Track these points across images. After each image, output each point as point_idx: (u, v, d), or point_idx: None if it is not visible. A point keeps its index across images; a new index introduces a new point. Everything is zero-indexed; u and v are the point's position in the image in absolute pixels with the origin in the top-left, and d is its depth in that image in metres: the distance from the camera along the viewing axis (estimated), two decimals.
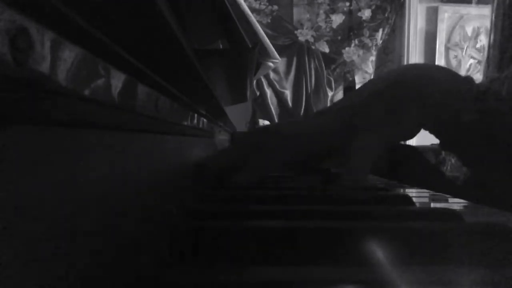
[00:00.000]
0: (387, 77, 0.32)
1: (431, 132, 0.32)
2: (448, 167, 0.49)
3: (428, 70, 0.31)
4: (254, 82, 2.80)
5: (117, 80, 0.19)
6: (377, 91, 0.30)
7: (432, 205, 0.43)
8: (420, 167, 0.37)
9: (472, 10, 3.04)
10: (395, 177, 0.48)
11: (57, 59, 0.13)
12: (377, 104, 0.30)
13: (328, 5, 3.05)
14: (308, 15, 3.07)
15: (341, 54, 3.11)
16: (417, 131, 0.31)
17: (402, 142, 0.34)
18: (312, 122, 0.32)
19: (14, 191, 0.12)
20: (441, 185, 0.38)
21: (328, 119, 0.31)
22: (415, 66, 0.33)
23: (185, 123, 0.41)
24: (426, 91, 0.29)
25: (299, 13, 3.09)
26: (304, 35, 3.07)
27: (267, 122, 2.83)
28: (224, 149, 0.36)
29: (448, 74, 0.31)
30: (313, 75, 3.16)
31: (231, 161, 0.34)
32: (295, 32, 3.07)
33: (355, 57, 3.09)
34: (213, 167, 0.36)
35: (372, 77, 3.16)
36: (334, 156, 0.34)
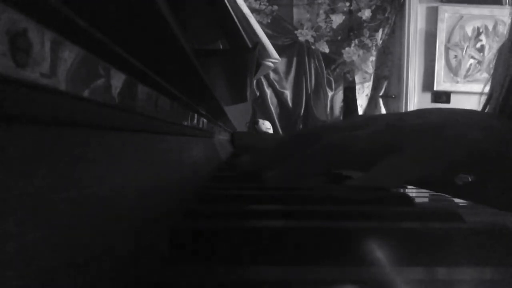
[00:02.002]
0: (446, 115, 0.31)
1: (485, 181, 0.32)
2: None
3: (486, 118, 0.31)
4: (254, 82, 2.81)
5: (117, 80, 0.19)
6: (432, 125, 0.30)
7: (432, 205, 0.43)
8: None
9: (472, 10, 3.04)
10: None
11: (57, 59, 0.13)
12: (429, 137, 0.29)
13: (328, 5, 3.06)
14: (308, 15, 3.07)
15: (341, 54, 3.11)
16: (458, 174, 0.31)
17: None
18: (356, 133, 0.31)
19: (14, 191, 0.12)
20: (442, 185, 0.38)
21: (375, 132, 0.31)
22: (475, 112, 0.32)
23: (185, 123, 0.41)
24: (485, 137, 0.29)
25: (299, 13, 3.09)
26: (304, 35, 3.07)
27: (267, 122, 2.82)
28: (259, 149, 0.35)
29: (505, 124, 0.31)
30: (313, 75, 3.16)
31: (264, 162, 0.34)
32: (295, 32, 3.07)
33: (355, 57, 3.09)
34: (245, 167, 0.35)
35: (372, 77, 3.16)
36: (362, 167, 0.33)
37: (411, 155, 0.29)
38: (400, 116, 0.32)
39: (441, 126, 0.30)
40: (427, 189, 0.48)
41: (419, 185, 0.39)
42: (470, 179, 0.33)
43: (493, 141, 0.29)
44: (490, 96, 0.53)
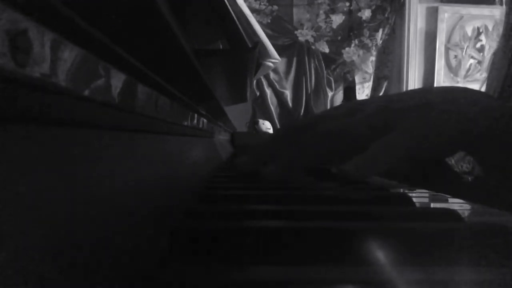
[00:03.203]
0: (435, 94, 0.31)
1: (475, 158, 0.31)
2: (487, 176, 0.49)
3: (475, 95, 0.31)
4: (254, 82, 2.81)
5: (117, 80, 0.19)
6: (423, 103, 0.30)
7: (432, 205, 0.43)
8: (426, 167, 0.36)
9: (472, 10, 3.04)
10: (423, 183, 0.48)
11: (57, 59, 0.13)
12: (420, 113, 0.29)
13: (328, 5, 3.06)
14: (308, 15, 3.07)
15: (341, 54, 3.11)
16: (453, 152, 0.31)
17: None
18: (344, 122, 0.31)
19: (14, 191, 0.12)
20: (444, 185, 0.38)
21: (363, 120, 0.31)
22: (463, 89, 0.32)
23: (185, 123, 0.41)
24: (474, 115, 0.29)
25: (299, 13, 3.09)
26: (304, 35, 3.07)
27: (267, 122, 2.82)
28: (257, 145, 0.35)
29: (494, 100, 0.31)
30: (313, 75, 3.16)
31: (263, 158, 0.34)
32: (295, 32, 3.07)
33: (355, 57, 3.09)
34: (245, 166, 0.35)
35: (372, 77, 3.16)
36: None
37: (402, 133, 0.29)
38: (390, 97, 0.32)
39: (433, 103, 0.30)
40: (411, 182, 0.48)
41: (409, 172, 0.38)
42: (470, 179, 0.33)
43: (487, 118, 0.29)
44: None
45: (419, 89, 0.33)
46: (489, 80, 0.53)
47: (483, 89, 0.55)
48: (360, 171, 0.29)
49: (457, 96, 0.30)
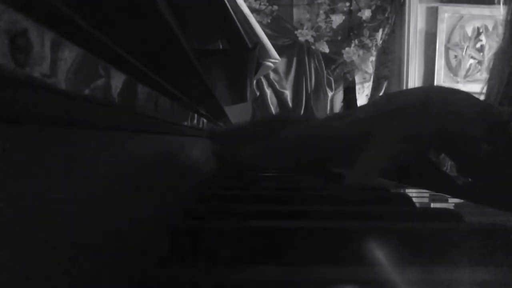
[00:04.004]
0: (407, 96, 0.32)
1: (448, 157, 0.32)
2: (448, 167, 0.49)
3: (451, 95, 0.32)
4: (254, 82, 2.80)
5: (117, 80, 0.19)
6: (398, 109, 0.31)
7: (432, 205, 0.43)
8: (425, 168, 0.37)
9: (472, 10, 3.04)
10: (402, 178, 0.48)
11: (57, 59, 0.13)
12: (396, 121, 0.30)
13: (328, 5, 3.05)
14: (308, 15, 3.07)
15: (341, 54, 3.11)
16: (428, 154, 0.32)
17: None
18: (330, 125, 0.33)
19: (14, 191, 0.12)
20: (443, 185, 0.38)
21: (345, 124, 0.32)
22: (439, 89, 0.33)
23: (185, 123, 0.41)
24: (446, 116, 0.30)
25: (299, 13, 3.09)
26: (304, 35, 3.06)
27: None
28: (232, 127, 0.36)
29: (470, 100, 0.31)
30: (313, 75, 3.16)
31: (240, 141, 0.34)
32: (295, 32, 3.06)
33: (355, 57, 3.09)
34: (222, 150, 0.36)
35: (372, 77, 3.16)
36: (342, 161, 0.34)
37: (381, 143, 0.30)
38: (366, 107, 0.33)
39: (408, 108, 0.31)
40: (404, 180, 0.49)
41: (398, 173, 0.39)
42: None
43: (458, 120, 0.30)
44: (487, 96, 0.53)
45: (397, 93, 0.35)
46: (490, 81, 0.53)
47: (484, 90, 0.55)
48: (363, 181, 0.30)
49: (430, 99, 0.31)
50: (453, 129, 0.30)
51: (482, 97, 0.54)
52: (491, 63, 0.55)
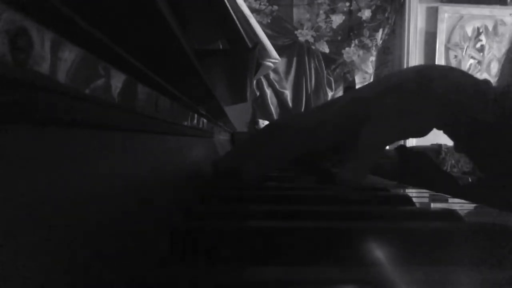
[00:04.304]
0: (406, 74, 0.31)
1: (445, 132, 0.32)
2: (448, 167, 0.49)
3: (447, 71, 0.31)
4: (254, 82, 2.80)
5: (117, 80, 0.19)
6: (395, 86, 0.30)
7: (432, 205, 0.43)
8: (427, 168, 0.37)
9: (472, 10, 3.04)
10: (402, 178, 0.49)
11: (57, 59, 0.13)
12: (394, 98, 0.30)
13: (328, 5, 3.05)
14: (308, 15, 3.07)
15: (341, 54, 3.11)
16: (430, 130, 0.31)
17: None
18: (318, 116, 0.32)
19: (14, 191, 0.12)
20: (444, 185, 0.38)
21: (336, 112, 0.31)
22: (435, 66, 0.32)
23: (185, 123, 0.41)
24: (445, 91, 0.29)
25: (299, 13, 3.09)
26: (304, 35, 3.06)
27: (267, 122, 2.82)
28: (235, 146, 0.36)
29: (466, 76, 0.31)
30: (313, 75, 3.16)
31: (241, 157, 0.34)
32: (295, 32, 3.06)
33: (355, 57, 3.09)
34: (223, 166, 0.35)
35: (372, 77, 3.16)
36: (341, 151, 0.33)
37: (378, 123, 0.29)
38: (361, 88, 0.33)
39: (402, 86, 0.30)
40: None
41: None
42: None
43: (460, 95, 0.29)
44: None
45: (388, 74, 0.34)
46: (499, 84, 0.53)
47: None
48: (358, 177, 0.29)
49: (427, 73, 0.31)
50: (449, 103, 0.29)
51: None
52: (503, 59, 0.55)
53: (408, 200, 0.38)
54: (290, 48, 3.10)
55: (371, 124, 0.29)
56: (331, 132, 0.31)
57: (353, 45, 3.08)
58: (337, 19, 3.05)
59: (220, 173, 0.35)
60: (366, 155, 0.29)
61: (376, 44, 3.11)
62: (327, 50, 3.11)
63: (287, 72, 3.15)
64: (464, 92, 0.29)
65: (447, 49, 3.08)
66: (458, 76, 0.31)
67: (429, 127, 0.31)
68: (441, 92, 0.29)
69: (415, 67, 0.33)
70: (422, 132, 0.30)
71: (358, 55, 3.10)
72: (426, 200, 0.43)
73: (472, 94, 0.29)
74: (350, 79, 3.19)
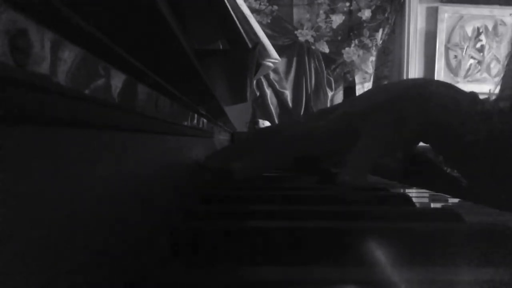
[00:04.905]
0: (392, 89, 0.32)
1: (432, 147, 0.33)
2: (448, 168, 0.49)
3: (432, 86, 0.32)
4: (254, 82, 2.80)
5: (117, 80, 0.19)
6: (381, 102, 0.31)
7: (432, 205, 0.43)
8: (427, 168, 0.37)
9: (472, 10, 3.04)
10: (402, 178, 0.49)
11: (57, 59, 0.13)
12: (380, 114, 0.31)
13: (328, 5, 3.05)
14: (308, 15, 3.07)
15: (341, 54, 3.11)
16: (416, 144, 0.32)
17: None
18: (315, 124, 0.33)
19: (14, 191, 0.12)
20: (444, 185, 0.39)
21: (331, 122, 0.32)
22: (419, 81, 0.33)
23: (185, 123, 0.41)
24: (429, 107, 0.30)
25: (299, 13, 3.09)
26: (304, 35, 3.06)
27: (267, 122, 2.82)
28: (225, 146, 0.36)
29: (452, 90, 0.31)
30: (313, 75, 3.16)
31: (231, 157, 0.34)
32: (295, 32, 3.06)
33: (355, 58, 3.09)
34: (213, 164, 0.36)
35: (372, 77, 3.16)
36: (334, 158, 0.34)
37: (368, 138, 0.30)
38: (353, 101, 0.34)
39: (390, 102, 0.31)
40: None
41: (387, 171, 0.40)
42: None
43: (444, 111, 0.30)
44: (499, 98, 0.53)
45: (378, 88, 0.35)
46: (504, 84, 0.54)
47: (496, 91, 0.55)
48: (358, 178, 0.30)
49: (410, 92, 0.31)
50: (437, 120, 0.30)
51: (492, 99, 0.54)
52: (508, 58, 0.56)
53: (408, 200, 0.38)
54: (290, 48, 3.10)
55: (360, 140, 0.30)
56: (328, 140, 0.32)
57: (353, 45, 3.08)
58: (337, 19, 3.05)
59: (208, 170, 0.36)
60: (359, 164, 0.30)
61: (376, 44, 3.10)
62: (327, 50, 3.11)
63: (287, 72, 3.15)
64: (448, 110, 0.30)
65: (447, 49, 3.07)
66: (442, 92, 0.31)
67: (413, 143, 0.32)
68: (424, 110, 0.30)
69: (399, 83, 0.34)
70: (407, 147, 0.31)
71: (358, 55, 3.10)
72: (426, 200, 0.43)
73: (457, 111, 0.30)
74: (350, 79, 3.19)
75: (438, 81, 0.33)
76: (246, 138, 0.37)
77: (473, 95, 0.31)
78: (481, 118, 0.29)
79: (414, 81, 0.33)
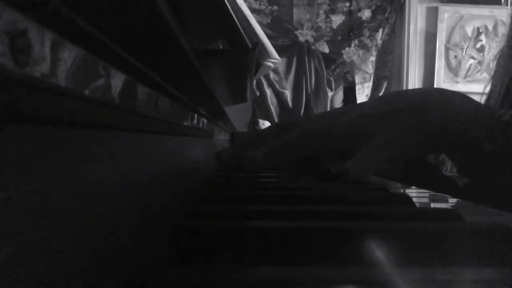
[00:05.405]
0: (410, 97, 0.33)
1: (447, 156, 0.33)
2: (448, 167, 0.49)
3: (450, 96, 0.32)
4: (254, 82, 2.80)
5: (117, 80, 0.19)
6: (398, 110, 0.32)
7: (432, 205, 0.43)
8: (427, 168, 0.37)
9: (472, 10, 3.04)
10: (402, 178, 0.49)
11: (57, 59, 0.13)
12: (396, 121, 0.31)
13: (328, 5, 3.05)
14: (308, 15, 3.07)
15: (341, 54, 3.11)
16: (429, 153, 0.32)
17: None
18: (325, 124, 0.33)
19: (14, 191, 0.12)
20: (444, 185, 0.39)
21: (343, 124, 0.32)
22: (438, 91, 0.34)
23: (185, 123, 0.41)
24: (447, 117, 0.30)
25: (299, 13, 3.09)
26: (304, 35, 3.06)
27: (267, 122, 2.82)
28: (243, 138, 0.36)
29: (470, 102, 0.32)
30: (313, 75, 3.16)
31: (249, 147, 0.34)
32: (295, 32, 3.06)
33: (355, 58, 3.09)
34: (230, 153, 0.36)
35: (372, 77, 3.16)
36: (335, 158, 0.34)
37: (382, 140, 0.30)
38: (371, 103, 0.34)
39: (407, 108, 0.31)
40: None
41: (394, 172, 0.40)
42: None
43: (459, 120, 0.30)
44: (489, 96, 0.53)
45: (394, 93, 0.35)
46: (494, 82, 0.54)
47: (486, 90, 0.56)
48: (357, 172, 0.30)
49: (430, 99, 0.32)
50: (453, 130, 0.30)
51: (483, 99, 0.54)
52: (496, 59, 0.56)
53: (408, 200, 0.38)
54: (290, 48, 3.10)
55: (372, 141, 0.30)
56: (335, 141, 0.32)
57: (353, 45, 3.08)
58: (337, 19, 3.05)
59: (224, 162, 0.36)
60: (365, 163, 0.31)
61: (376, 44, 3.10)
62: (327, 50, 3.11)
63: (287, 72, 3.15)
64: (466, 120, 0.30)
65: (447, 49, 3.07)
66: (460, 104, 0.31)
67: (427, 152, 0.32)
68: (441, 121, 0.30)
69: (420, 91, 0.34)
70: (421, 155, 0.31)
71: (358, 55, 3.10)
72: (426, 200, 0.43)
73: (475, 122, 0.30)
74: (350, 79, 3.19)
75: (453, 91, 0.33)
76: (261, 132, 0.37)
77: (487, 106, 0.32)
78: (498, 130, 0.30)
79: (430, 90, 0.34)
